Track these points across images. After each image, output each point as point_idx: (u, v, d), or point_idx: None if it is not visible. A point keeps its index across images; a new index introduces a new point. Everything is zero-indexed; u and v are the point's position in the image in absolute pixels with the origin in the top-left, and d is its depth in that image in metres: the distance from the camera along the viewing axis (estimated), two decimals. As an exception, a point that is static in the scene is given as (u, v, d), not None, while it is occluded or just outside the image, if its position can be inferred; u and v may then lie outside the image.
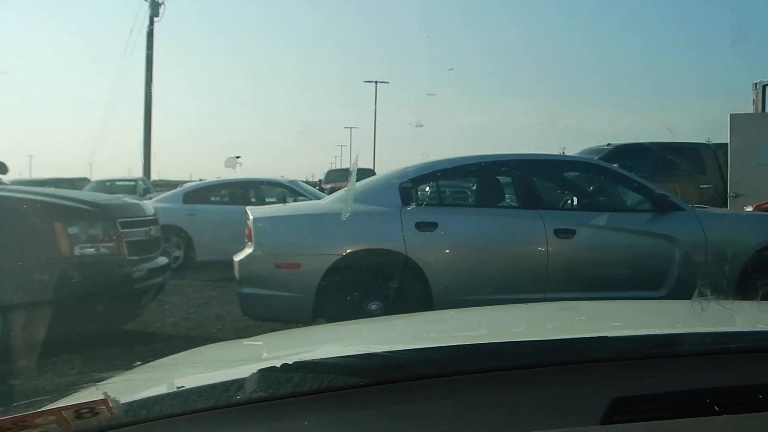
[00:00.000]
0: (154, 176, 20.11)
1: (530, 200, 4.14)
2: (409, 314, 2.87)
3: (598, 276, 3.95)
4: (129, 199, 5.48)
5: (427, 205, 4.35)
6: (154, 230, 4.70)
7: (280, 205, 5.29)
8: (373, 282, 3.93)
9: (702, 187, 8.31)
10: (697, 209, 4.30)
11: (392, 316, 3.27)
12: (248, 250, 4.08)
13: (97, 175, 17.18)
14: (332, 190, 8.19)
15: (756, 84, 8.27)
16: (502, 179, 4.39)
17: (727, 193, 7.93)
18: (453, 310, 3.00)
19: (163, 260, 4.75)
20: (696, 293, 1.20)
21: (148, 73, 17.00)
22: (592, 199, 4.32)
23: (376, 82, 32.47)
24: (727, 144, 8.61)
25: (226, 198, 8.75)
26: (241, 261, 4.09)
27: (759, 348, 0.97)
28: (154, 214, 4.83)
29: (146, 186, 15.14)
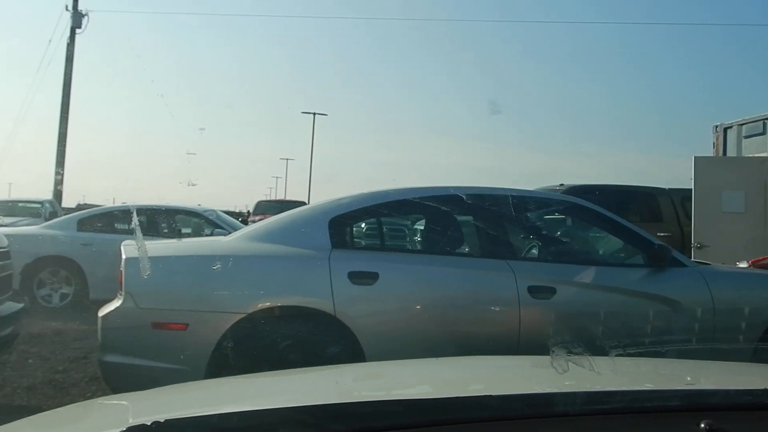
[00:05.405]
0: (78, 200, 18.35)
1: (498, 247, 3.20)
2: (331, 366, 2.28)
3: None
4: None
5: (364, 248, 3.37)
6: (3, 266, 3.81)
7: (171, 241, 4.11)
8: (289, 351, 2.89)
9: (659, 236, 7.84)
10: (701, 266, 3.47)
11: (310, 368, 2.38)
12: (116, 303, 2.98)
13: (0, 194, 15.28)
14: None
15: (716, 126, 7.85)
16: (462, 219, 3.44)
17: (684, 241, 7.44)
18: (379, 363, 2.40)
19: (13, 306, 3.85)
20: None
21: (65, 88, 15.77)
22: (575, 249, 3.43)
23: (314, 114, 32.80)
24: (682, 189, 8.28)
25: (131, 227, 7.54)
26: (105, 317, 2.98)
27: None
28: (6, 246, 3.86)
29: (54, 209, 13.57)
